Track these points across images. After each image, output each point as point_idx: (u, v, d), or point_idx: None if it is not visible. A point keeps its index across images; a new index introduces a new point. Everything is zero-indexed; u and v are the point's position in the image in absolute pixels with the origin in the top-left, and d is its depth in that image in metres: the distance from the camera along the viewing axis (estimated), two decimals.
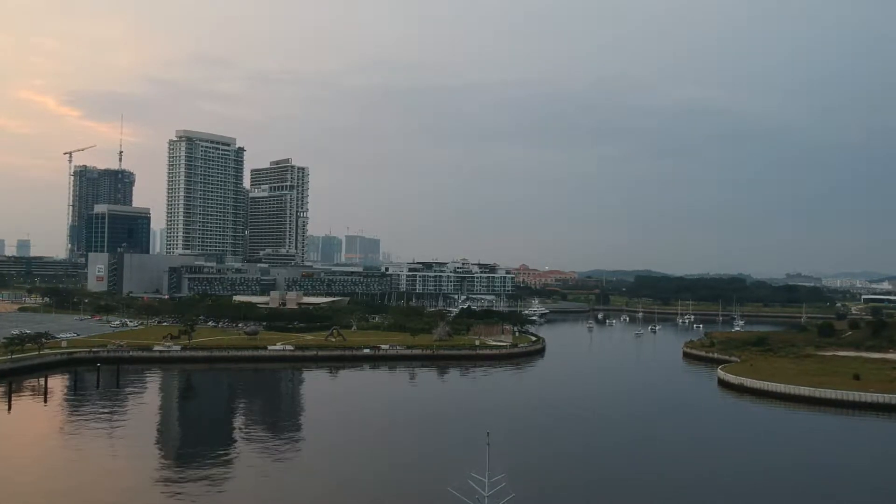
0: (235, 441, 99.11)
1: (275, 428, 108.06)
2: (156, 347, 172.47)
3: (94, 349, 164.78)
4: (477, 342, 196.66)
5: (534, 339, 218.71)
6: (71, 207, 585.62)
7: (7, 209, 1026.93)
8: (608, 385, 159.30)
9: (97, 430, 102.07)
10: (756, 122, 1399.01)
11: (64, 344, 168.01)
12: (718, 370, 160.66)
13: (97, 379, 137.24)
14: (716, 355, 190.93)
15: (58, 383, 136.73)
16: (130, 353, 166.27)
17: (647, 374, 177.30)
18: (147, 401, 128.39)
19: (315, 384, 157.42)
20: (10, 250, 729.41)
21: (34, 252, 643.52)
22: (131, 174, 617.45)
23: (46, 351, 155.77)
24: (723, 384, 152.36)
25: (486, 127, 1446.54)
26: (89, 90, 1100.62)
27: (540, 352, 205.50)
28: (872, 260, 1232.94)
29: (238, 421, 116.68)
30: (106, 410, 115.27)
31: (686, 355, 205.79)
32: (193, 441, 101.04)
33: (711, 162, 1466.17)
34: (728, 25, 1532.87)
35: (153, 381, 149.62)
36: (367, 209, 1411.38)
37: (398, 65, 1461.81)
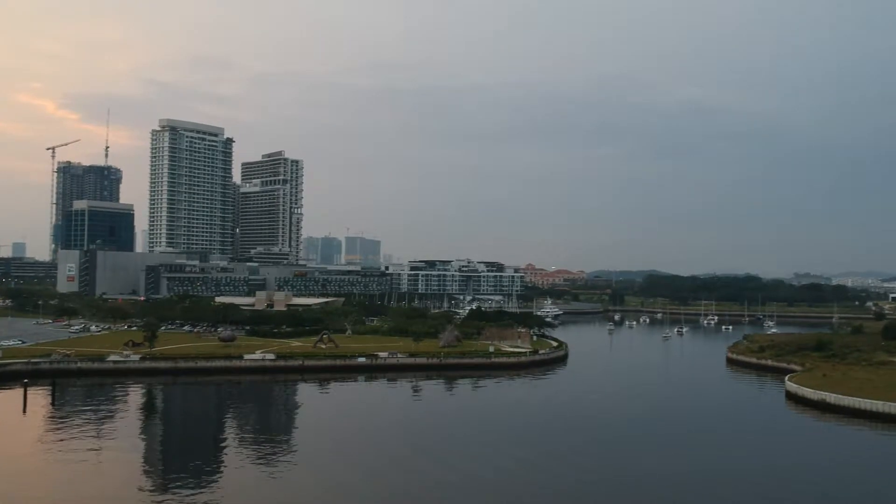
0: (179, 480, 71.15)
1: (230, 465, 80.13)
2: (110, 357, 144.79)
3: (33, 360, 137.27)
4: (491, 348, 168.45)
5: (555, 343, 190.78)
6: (54, 205, 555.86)
7: (6, 212, 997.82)
8: (657, 400, 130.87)
9: (14, 463, 75.79)
10: (756, 122, 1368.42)
11: None
12: (786, 381, 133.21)
13: (24, 398, 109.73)
14: (770, 362, 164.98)
15: None
16: (78, 365, 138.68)
17: (698, 388, 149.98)
18: (85, 426, 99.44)
19: (296, 402, 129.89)
20: (6, 251, 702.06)
21: (29, 255, 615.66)
22: (118, 170, 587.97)
23: None
24: (793, 398, 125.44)
25: (487, 126, 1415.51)
26: (88, 93, 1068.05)
27: (563, 359, 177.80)
28: (874, 260, 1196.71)
29: (189, 453, 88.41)
30: (31, 439, 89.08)
31: (731, 361, 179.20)
32: (137, 479, 73.21)
33: (712, 161, 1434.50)
34: (728, 25, 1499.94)
35: (98, 399, 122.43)
36: (368, 210, 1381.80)
37: (398, 65, 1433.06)
